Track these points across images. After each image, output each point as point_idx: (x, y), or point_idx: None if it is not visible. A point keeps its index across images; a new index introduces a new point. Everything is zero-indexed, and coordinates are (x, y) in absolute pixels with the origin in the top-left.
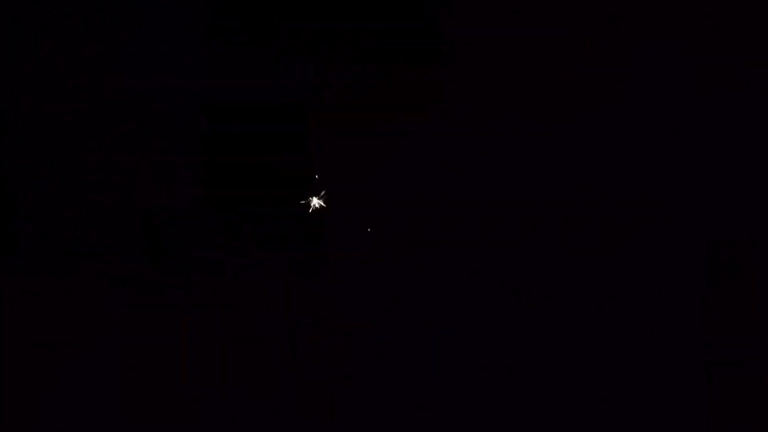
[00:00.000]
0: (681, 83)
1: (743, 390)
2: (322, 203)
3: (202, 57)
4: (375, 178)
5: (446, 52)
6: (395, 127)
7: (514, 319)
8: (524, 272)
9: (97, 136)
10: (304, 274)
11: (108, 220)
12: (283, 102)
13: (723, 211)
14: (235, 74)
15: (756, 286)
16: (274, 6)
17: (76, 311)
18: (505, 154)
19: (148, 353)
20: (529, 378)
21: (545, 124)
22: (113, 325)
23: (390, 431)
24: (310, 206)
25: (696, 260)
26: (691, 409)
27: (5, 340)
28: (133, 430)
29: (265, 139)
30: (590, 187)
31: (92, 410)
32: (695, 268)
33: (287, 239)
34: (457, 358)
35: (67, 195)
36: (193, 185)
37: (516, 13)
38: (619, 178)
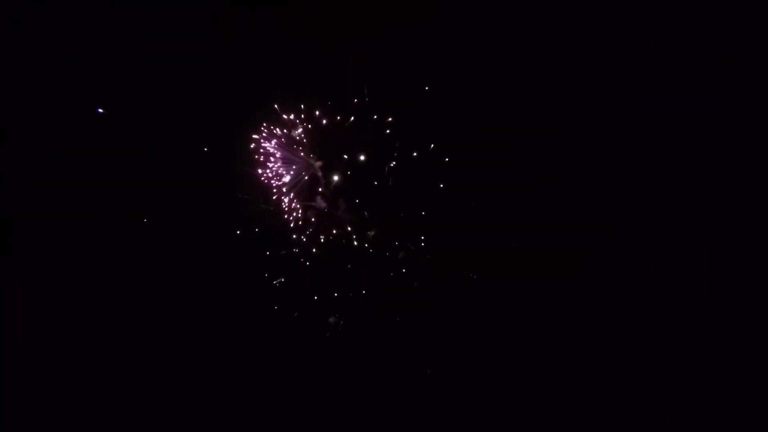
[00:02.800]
0: (680, 83)
1: (743, 389)
2: None
3: None
4: None
5: None
6: None
7: (510, 316)
8: (522, 273)
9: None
10: None
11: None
12: None
13: (722, 211)
14: None
15: (756, 286)
16: None
17: (75, 310)
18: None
19: (146, 352)
20: (528, 376)
21: (544, 123)
22: (112, 323)
23: None
24: None
25: (696, 260)
26: (691, 407)
27: (5, 339)
28: (133, 427)
29: None
30: (590, 188)
31: (92, 407)
32: (695, 268)
33: None
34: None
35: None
36: None
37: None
38: (618, 178)
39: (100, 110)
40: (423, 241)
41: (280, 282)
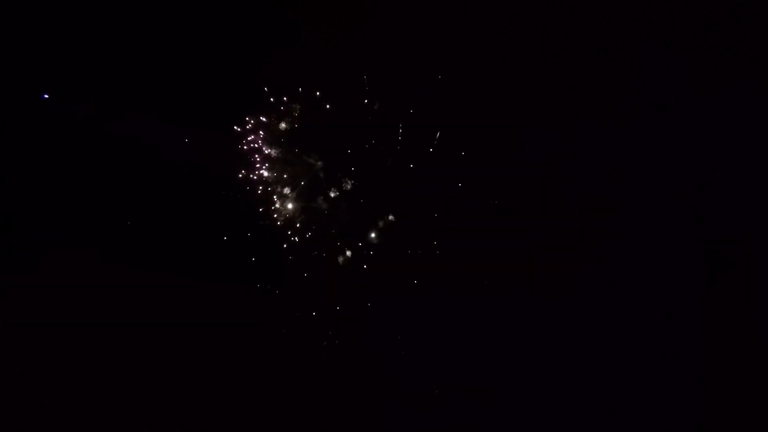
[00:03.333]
0: (679, 83)
1: (743, 389)
2: None
3: None
4: None
5: None
6: None
7: (512, 318)
8: (522, 271)
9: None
10: None
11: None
12: None
13: (722, 211)
14: None
15: (755, 286)
16: None
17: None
18: (503, 152)
19: (142, 351)
20: (529, 376)
21: (551, 124)
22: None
23: None
24: None
25: (695, 260)
26: (691, 407)
27: (5, 339)
28: (129, 426)
29: None
30: (589, 188)
31: (88, 406)
32: (694, 267)
33: None
34: (459, 353)
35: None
36: None
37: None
38: (618, 178)
39: (46, 96)
40: (429, 245)
41: (273, 291)
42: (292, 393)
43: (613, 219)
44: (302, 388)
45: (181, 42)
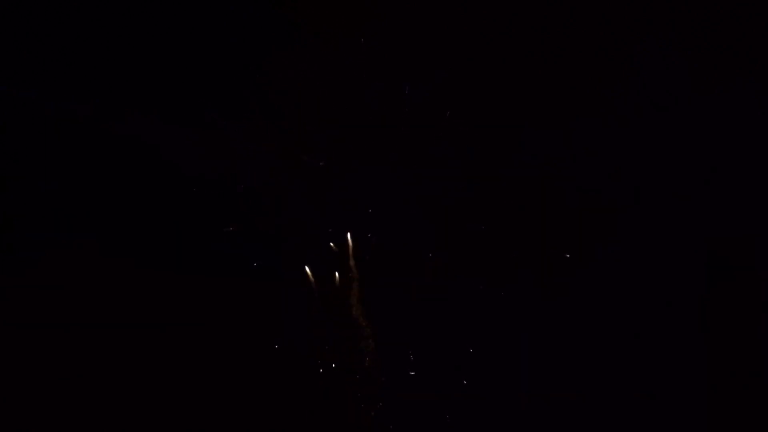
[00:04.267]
0: (679, 83)
1: (744, 390)
2: None
3: None
4: None
5: None
6: None
7: (512, 318)
8: (522, 273)
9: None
10: None
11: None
12: None
13: (722, 211)
14: None
15: (756, 286)
16: None
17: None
18: (505, 154)
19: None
20: (528, 377)
21: (551, 124)
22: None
23: None
24: None
25: (695, 260)
26: (691, 407)
27: (4, 339)
28: (129, 425)
29: None
30: (589, 188)
31: (88, 406)
32: (694, 267)
33: None
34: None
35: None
36: None
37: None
38: (618, 178)
39: None
40: (428, 245)
41: (273, 291)
42: (291, 395)
43: (613, 219)
44: (301, 390)
45: (181, 42)
